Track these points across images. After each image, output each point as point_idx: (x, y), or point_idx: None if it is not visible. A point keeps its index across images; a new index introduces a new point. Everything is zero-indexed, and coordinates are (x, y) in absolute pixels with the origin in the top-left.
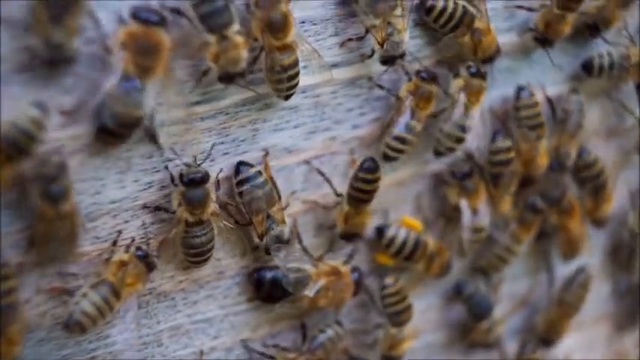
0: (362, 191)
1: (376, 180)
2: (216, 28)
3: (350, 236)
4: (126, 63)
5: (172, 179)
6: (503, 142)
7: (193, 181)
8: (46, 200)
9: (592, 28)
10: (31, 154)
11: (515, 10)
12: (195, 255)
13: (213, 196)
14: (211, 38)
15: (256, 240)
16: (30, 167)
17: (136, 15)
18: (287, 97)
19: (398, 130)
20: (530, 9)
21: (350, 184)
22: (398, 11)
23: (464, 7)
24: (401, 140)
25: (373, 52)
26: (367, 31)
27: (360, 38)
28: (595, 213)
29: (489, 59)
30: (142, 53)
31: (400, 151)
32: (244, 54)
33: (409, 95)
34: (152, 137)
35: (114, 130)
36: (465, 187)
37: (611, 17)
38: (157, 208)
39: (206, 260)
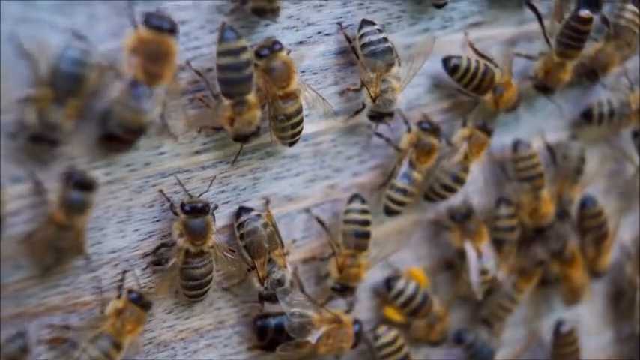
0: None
1: (367, 222)
2: (236, 95)
3: (343, 289)
4: (135, 68)
5: (173, 209)
6: (506, 209)
7: (195, 210)
8: (63, 205)
9: (590, 73)
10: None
11: (514, 57)
12: (194, 287)
13: (214, 227)
14: (227, 101)
15: (257, 285)
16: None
17: (148, 21)
18: (291, 144)
19: (401, 183)
20: (529, 57)
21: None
22: (395, 69)
23: (485, 65)
24: (403, 193)
25: (364, 105)
26: (362, 83)
27: (358, 90)
28: (594, 264)
29: (510, 109)
30: (152, 59)
31: (403, 204)
32: (258, 114)
33: (410, 147)
34: (165, 128)
35: (120, 137)
36: (466, 228)
37: (609, 61)
38: (158, 248)
39: (204, 294)
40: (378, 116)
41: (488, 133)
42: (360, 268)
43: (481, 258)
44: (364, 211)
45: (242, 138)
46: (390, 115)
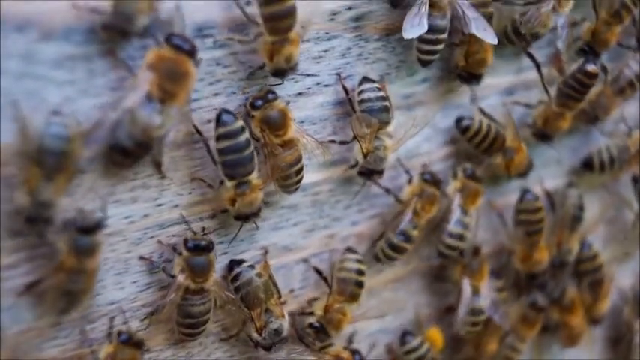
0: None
1: (362, 272)
2: (239, 177)
3: (321, 329)
4: (150, 84)
5: (176, 250)
6: (494, 281)
7: (198, 247)
8: (73, 251)
9: (591, 118)
10: None
11: (512, 105)
12: (190, 326)
13: (216, 265)
14: (229, 183)
15: (254, 335)
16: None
17: (170, 40)
18: (291, 192)
19: (397, 238)
20: (527, 105)
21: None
22: (389, 128)
23: (496, 129)
24: (400, 248)
25: (357, 162)
26: (355, 138)
27: (344, 143)
28: (592, 310)
29: (522, 175)
30: (168, 77)
31: (394, 259)
32: (260, 196)
33: (414, 198)
34: (157, 164)
35: (129, 150)
36: (469, 265)
37: (609, 104)
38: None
39: (199, 333)
40: (367, 173)
41: (479, 181)
42: (344, 317)
43: (478, 296)
44: (359, 261)
45: (243, 218)
46: (380, 173)
